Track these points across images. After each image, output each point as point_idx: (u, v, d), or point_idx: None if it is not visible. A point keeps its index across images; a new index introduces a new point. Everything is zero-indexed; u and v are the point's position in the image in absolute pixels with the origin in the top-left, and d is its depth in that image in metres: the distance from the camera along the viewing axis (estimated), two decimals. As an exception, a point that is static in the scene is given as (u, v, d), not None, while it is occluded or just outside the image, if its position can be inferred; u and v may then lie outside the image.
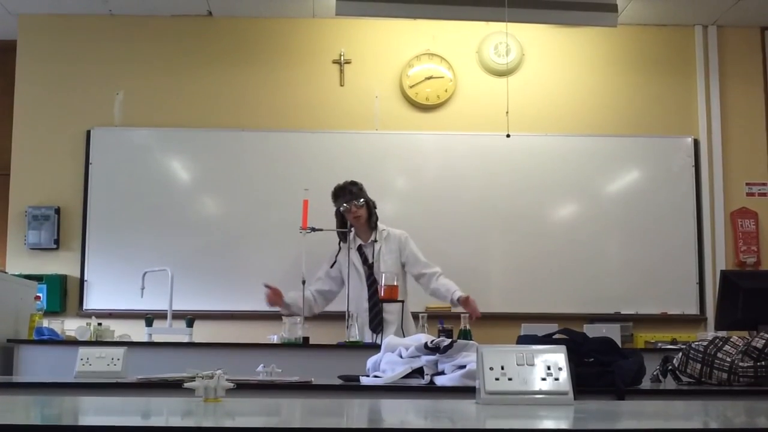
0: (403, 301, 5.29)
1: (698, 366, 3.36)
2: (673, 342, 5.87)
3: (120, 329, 5.50)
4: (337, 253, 5.55)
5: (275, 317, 5.46)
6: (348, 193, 5.50)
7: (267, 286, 5.44)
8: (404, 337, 4.19)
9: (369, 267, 5.49)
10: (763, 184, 6.76)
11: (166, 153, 6.63)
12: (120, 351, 3.60)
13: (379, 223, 5.59)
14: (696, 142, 6.73)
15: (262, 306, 5.66)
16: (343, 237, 5.52)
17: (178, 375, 3.13)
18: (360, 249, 5.56)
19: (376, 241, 5.53)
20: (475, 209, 6.54)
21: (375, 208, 5.59)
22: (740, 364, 3.28)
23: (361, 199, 5.51)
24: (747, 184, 6.75)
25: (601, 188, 6.59)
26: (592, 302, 6.33)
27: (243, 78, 6.73)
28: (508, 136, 5.56)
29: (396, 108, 6.73)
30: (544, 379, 2.12)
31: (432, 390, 3.14)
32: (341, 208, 5.49)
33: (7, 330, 5.01)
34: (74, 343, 4.92)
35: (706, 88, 6.82)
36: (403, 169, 6.57)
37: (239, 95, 6.71)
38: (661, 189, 6.57)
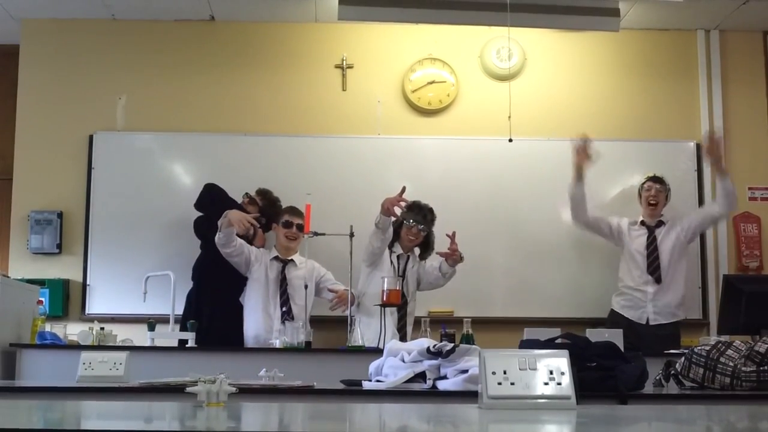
0: (402, 306, 5.40)
1: (701, 370, 3.35)
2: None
3: (122, 333, 5.50)
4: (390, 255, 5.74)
5: (277, 322, 5.52)
6: (422, 216, 5.73)
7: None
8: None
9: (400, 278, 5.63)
10: (766, 189, 6.76)
11: (168, 157, 6.63)
12: (122, 355, 3.61)
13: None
14: (699, 147, 6.71)
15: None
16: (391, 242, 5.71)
17: (180, 379, 3.14)
18: (398, 257, 5.78)
19: (409, 256, 5.80)
20: (477, 214, 6.53)
21: (434, 240, 5.83)
22: (743, 368, 3.28)
23: (424, 228, 5.74)
24: (750, 188, 6.74)
25: (603, 192, 6.58)
26: (595, 307, 6.31)
27: (245, 82, 6.73)
28: (510, 140, 5.57)
29: (398, 112, 6.73)
30: (546, 384, 2.12)
31: (434, 395, 3.14)
32: (407, 221, 5.68)
33: (10, 334, 5.02)
34: (76, 347, 4.93)
35: (709, 93, 6.81)
36: (405, 173, 6.55)
37: (242, 100, 6.71)
38: (664, 193, 6.56)
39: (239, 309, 5.80)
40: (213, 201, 5.89)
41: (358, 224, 5.66)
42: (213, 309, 5.70)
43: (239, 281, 5.83)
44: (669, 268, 5.93)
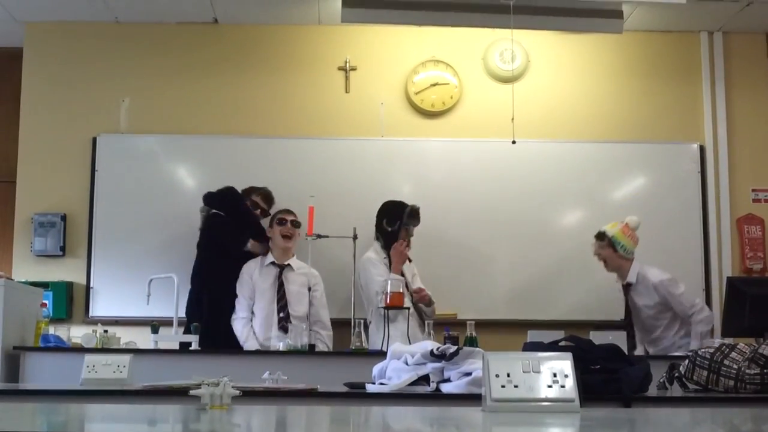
0: (409, 308, 5.43)
1: (705, 373, 3.35)
2: (680, 349, 5.85)
3: (126, 336, 5.50)
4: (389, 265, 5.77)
5: (281, 324, 5.53)
6: (418, 219, 5.86)
7: None
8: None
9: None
10: (770, 191, 6.76)
11: (171, 159, 6.64)
12: (126, 358, 3.60)
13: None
14: (702, 149, 6.71)
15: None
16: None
17: (183, 382, 3.13)
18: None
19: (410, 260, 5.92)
20: (480, 215, 6.53)
21: None
22: (747, 371, 3.28)
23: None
24: (753, 190, 6.73)
25: (606, 194, 6.58)
26: (598, 309, 6.31)
27: (249, 85, 6.73)
28: (513, 142, 5.57)
29: (401, 115, 6.73)
30: (550, 387, 2.12)
31: (438, 397, 3.14)
32: (409, 227, 5.81)
33: (14, 337, 5.02)
34: (80, 350, 4.94)
35: (712, 95, 6.81)
36: (408, 175, 6.57)
37: (245, 102, 6.71)
38: (667, 195, 6.56)
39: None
40: (228, 207, 5.93)
41: (361, 226, 5.70)
42: (212, 312, 5.69)
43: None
44: (652, 326, 5.73)
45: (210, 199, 6.00)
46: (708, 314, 5.68)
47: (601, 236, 5.79)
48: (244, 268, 5.82)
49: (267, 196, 6.14)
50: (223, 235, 5.92)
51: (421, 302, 5.68)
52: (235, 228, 5.93)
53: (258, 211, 6.06)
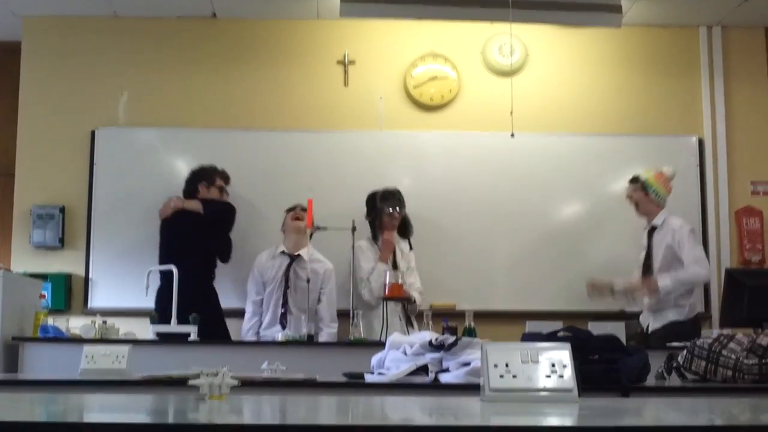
0: (408, 299, 5.45)
1: (703, 363, 3.36)
2: (678, 339, 5.85)
3: (124, 327, 5.52)
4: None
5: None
6: (396, 199, 5.85)
7: None
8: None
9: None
10: (768, 183, 6.77)
11: (170, 153, 6.64)
12: (124, 348, 3.61)
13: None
14: (701, 142, 6.72)
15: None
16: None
17: (182, 372, 3.13)
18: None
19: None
20: (479, 208, 6.53)
21: (409, 218, 5.98)
22: (745, 361, 3.28)
23: (401, 209, 5.88)
24: (752, 182, 6.75)
25: (605, 187, 6.58)
26: (596, 300, 6.30)
27: (247, 79, 6.73)
28: (512, 135, 5.56)
29: (400, 108, 6.73)
30: (548, 377, 2.12)
31: (436, 387, 3.15)
32: (387, 210, 5.77)
33: (12, 328, 5.03)
34: (79, 341, 4.95)
35: (711, 88, 6.81)
36: (407, 168, 6.57)
37: (244, 96, 6.71)
38: (666, 188, 6.55)
39: (214, 295, 5.90)
40: (224, 221, 5.97)
41: (359, 219, 5.70)
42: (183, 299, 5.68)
43: (206, 264, 5.94)
44: (657, 277, 5.66)
45: (211, 205, 5.99)
46: (703, 274, 5.65)
47: (635, 180, 5.84)
48: (255, 263, 5.87)
49: (225, 177, 6.19)
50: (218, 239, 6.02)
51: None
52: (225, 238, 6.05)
53: (218, 192, 6.12)
